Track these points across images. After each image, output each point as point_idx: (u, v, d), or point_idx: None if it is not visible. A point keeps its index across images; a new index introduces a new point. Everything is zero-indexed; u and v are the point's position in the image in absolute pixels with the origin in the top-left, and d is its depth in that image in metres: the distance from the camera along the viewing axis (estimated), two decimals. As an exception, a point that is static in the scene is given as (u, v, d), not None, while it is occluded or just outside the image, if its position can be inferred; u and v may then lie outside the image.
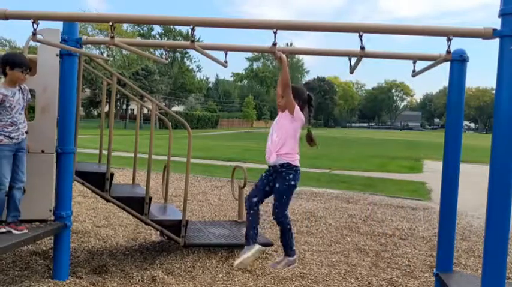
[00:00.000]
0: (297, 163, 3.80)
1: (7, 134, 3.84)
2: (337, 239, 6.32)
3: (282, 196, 3.76)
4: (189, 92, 75.53)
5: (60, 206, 4.31)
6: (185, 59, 74.53)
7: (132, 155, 5.94)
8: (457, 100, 3.86)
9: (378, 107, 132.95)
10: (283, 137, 3.76)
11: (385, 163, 18.93)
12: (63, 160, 4.30)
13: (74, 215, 6.24)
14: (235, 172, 6.82)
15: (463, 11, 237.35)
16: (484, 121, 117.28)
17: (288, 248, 3.92)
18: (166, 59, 4.81)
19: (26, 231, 3.91)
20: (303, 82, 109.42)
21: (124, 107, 62.21)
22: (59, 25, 4.18)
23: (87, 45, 34.62)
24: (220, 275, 4.65)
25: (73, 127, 4.39)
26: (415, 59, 3.90)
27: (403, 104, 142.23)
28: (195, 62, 77.83)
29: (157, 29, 69.64)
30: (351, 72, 3.90)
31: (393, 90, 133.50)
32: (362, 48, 2.99)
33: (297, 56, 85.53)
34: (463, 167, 4.01)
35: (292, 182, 3.76)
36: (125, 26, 59.60)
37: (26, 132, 4.11)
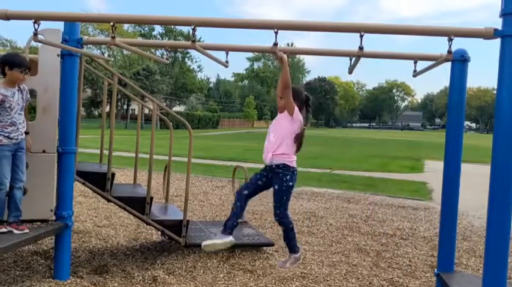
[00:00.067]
0: (293, 164, 3.78)
1: (6, 134, 3.85)
2: (338, 239, 6.32)
3: (282, 197, 3.76)
4: (190, 92, 75.55)
5: (61, 206, 4.31)
6: (186, 59, 74.54)
7: (133, 155, 5.94)
8: (458, 100, 3.86)
9: (378, 107, 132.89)
10: (281, 138, 3.75)
11: (386, 163, 18.92)
12: (64, 160, 4.31)
13: (75, 215, 6.24)
14: (236, 172, 6.83)
15: (464, 11, 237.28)
16: (485, 121, 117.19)
17: (292, 246, 3.93)
18: (167, 59, 4.82)
19: (27, 231, 3.92)
20: (304, 82, 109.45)
21: (125, 107, 62.26)
22: (60, 25, 4.19)
23: (88, 46, 34.68)
24: (221, 275, 4.65)
25: (74, 127, 4.39)
26: (416, 59, 3.90)
27: (404, 104, 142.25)
28: (196, 62, 77.91)
29: (158, 29, 69.71)
30: (350, 72, 3.90)
31: (394, 90, 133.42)
32: (361, 48, 2.99)
33: (298, 56, 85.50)
34: (464, 167, 4.00)
35: (290, 183, 3.75)
36: (125, 26, 59.65)
37: (27, 133, 4.11)
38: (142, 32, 68.27)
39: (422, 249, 6.03)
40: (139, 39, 39.89)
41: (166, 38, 66.02)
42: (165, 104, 60.84)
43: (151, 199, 4.91)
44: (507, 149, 2.76)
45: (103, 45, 41.65)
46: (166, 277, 4.50)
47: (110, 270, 4.63)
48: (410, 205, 9.37)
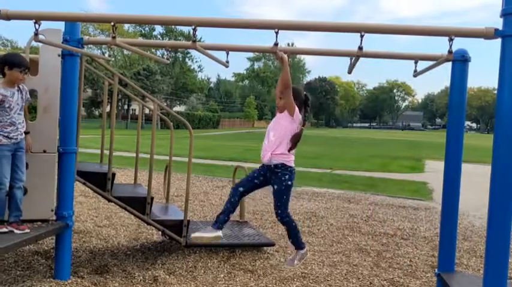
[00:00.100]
0: (291, 164, 3.78)
1: (6, 134, 3.85)
2: (338, 239, 6.32)
3: (282, 196, 3.77)
4: (190, 92, 75.56)
5: (62, 206, 4.31)
6: (186, 59, 74.55)
7: (134, 155, 5.95)
8: (459, 100, 3.86)
9: (379, 107, 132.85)
10: (280, 137, 3.75)
11: (386, 163, 18.92)
12: (65, 159, 4.31)
13: (76, 215, 6.25)
14: (237, 172, 6.83)
15: (464, 11, 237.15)
16: (486, 121, 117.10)
17: (297, 243, 3.93)
18: (167, 59, 4.82)
19: (28, 231, 3.92)
20: (305, 82, 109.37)
21: (125, 107, 62.29)
22: (60, 25, 4.19)
23: (89, 46, 34.71)
24: (222, 275, 4.65)
25: (75, 127, 4.39)
26: (416, 59, 3.90)
27: (404, 104, 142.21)
28: (196, 62, 77.97)
29: (158, 29, 69.71)
30: (349, 72, 3.91)
31: (395, 90, 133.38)
32: (360, 48, 2.99)
33: (298, 56, 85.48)
34: (465, 167, 4.01)
35: (289, 182, 3.75)
36: (126, 26, 59.66)
37: (27, 132, 4.12)
38: (143, 32, 68.29)
39: (423, 249, 6.03)
40: (140, 39, 39.92)
41: (167, 38, 65.99)
42: (165, 104, 60.84)
43: (152, 199, 4.91)
44: (508, 149, 2.76)
45: (103, 45, 41.68)
46: (167, 277, 4.50)
47: (111, 270, 4.63)
48: (411, 205, 9.36)
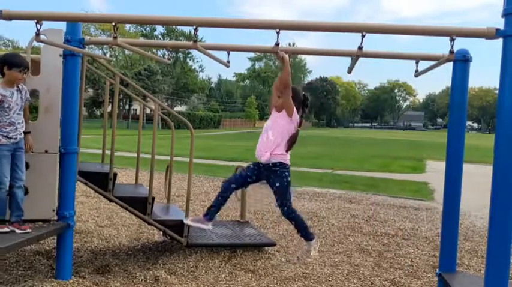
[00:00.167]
0: (288, 162, 3.86)
1: (5, 134, 3.86)
2: (339, 240, 6.31)
3: (285, 193, 3.82)
4: (191, 92, 75.59)
5: (63, 206, 4.32)
6: (187, 59, 74.58)
7: (135, 155, 5.95)
8: (460, 100, 3.86)
9: (380, 107, 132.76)
10: (279, 137, 3.79)
11: (387, 163, 18.91)
12: (66, 159, 4.31)
13: (77, 215, 6.26)
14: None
15: (465, 11, 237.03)
16: (487, 121, 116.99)
17: (307, 234, 3.97)
18: (168, 59, 4.82)
19: (30, 230, 3.92)
20: (306, 82, 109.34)
21: (127, 107, 62.33)
22: (61, 25, 4.20)
23: (90, 46, 34.76)
24: (223, 275, 4.66)
25: (76, 127, 4.40)
26: (418, 59, 3.90)
27: (405, 104, 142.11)
28: (197, 62, 77.98)
29: (159, 29, 69.71)
30: (349, 72, 3.92)
31: (396, 90, 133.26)
32: (360, 48, 2.99)
33: (299, 56, 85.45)
34: (466, 167, 4.01)
35: (289, 179, 3.83)
36: (127, 26, 59.70)
37: (28, 132, 4.13)
38: (144, 32, 68.32)
39: (424, 249, 6.03)
40: (141, 40, 39.99)
41: (168, 38, 66.00)
42: (166, 104, 60.84)
43: (153, 199, 4.92)
44: (509, 149, 2.75)
45: (105, 45, 41.71)
46: (168, 277, 4.51)
47: (112, 270, 4.64)
48: (412, 205, 9.36)
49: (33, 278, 4.28)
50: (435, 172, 15.15)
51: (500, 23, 2.80)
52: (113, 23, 3.05)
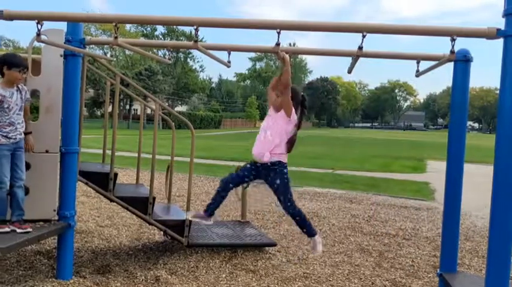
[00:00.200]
0: (286, 160, 3.93)
1: (5, 134, 3.87)
2: (340, 240, 6.31)
3: (286, 190, 3.88)
4: (192, 92, 75.60)
5: (64, 206, 4.32)
6: (188, 59, 74.60)
7: (136, 155, 5.95)
8: (461, 100, 3.86)
9: (381, 107, 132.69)
10: (278, 137, 3.87)
11: (388, 163, 18.91)
12: (67, 159, 4.32)
13: (78, 215, 6.25)
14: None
15: (466, 11, 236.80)
16: (488, 121, 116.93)
17: (311, 230, 4.00)
18: (169, 59, 4.82)
19: (30, 230, 3.93)
20: (306, 82, 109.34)
21: (127, 107, 62.35)
22: (62, 25, 4.20)
23: (91, 46, 34.74)
24: (224, 275, 4.66)
25: (77, 127, 4.40)
26: (418, 59, 3.90)
27: (406, 104, 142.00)
28: (198, 62, 77.93)
29: (160, 29, 69.73)
30: (349, 71, 3.94)
31: (396, 90, 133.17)
32: (360, 48, 3.00)
33: (300, 56, 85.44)
34: (467, 167, 4.01)
35: (288, 176, 3.92)
36: (128, 26, 59.71)
37: (30, 132, 4.13)
38: (145, 32, 68.35)
39: (424, 249, 6.02)
40: (142, 40, 40.00)
41: (169, 38, 66.02)
42: (167, 104, 60.85)
43: (154, 199, 4.92)
44: (510, 149, 2.76)
45: (105, 45, 41.72)
46: (169, 277, 4.51)
47: (113, 270, 4.64)
48: (413, 205, 9.36)
49: (34, 278, 4.28)
50: (436, 172, 15.14)
51: (501, 23, 2.80)
52: (114, 23, 3.05)
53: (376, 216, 8.06)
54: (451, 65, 3.80)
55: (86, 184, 4.79)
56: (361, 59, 3.53)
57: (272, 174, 3.84)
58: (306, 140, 32.43)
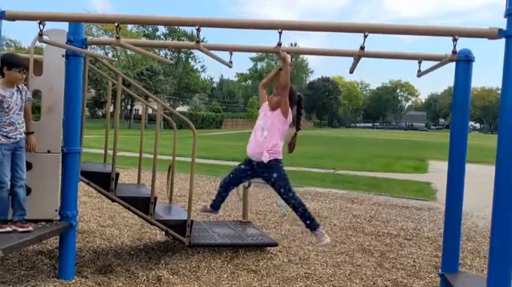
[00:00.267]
0: (281, 157, 4.04)
1: (5, 134, 3.87)
2: (342, 240, 6.31)
3: (286, 182, 4.00)
4: (193, 92, 75.61)
5: (66, 206, 4.33)
6: (190, 59, 74.60)
7: (137, 155, 5.96)
8: (463, 100, 3.85)
9: (382, 107, 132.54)
10: (275, 136, 4.01)
11: (389, 163, 18.89)
12: (68, 160, 4.32)
13: (79, 215, 6.26)
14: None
15: (468, 11, 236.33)
16: (490, 121, 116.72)
17: (313, 223, 4.09)
18: (171, 59, 4.83)
19: (32, 229, 3.94)
20: (308, 82, 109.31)
21: (129, 107, 62.39)
22: (64, 26, 4.20)
23: (92, 46, 34.77)
24: (225, 275, 4.66)
25: (79, 127, 4.41)
26: (420, 59, 3.90)
27: (407, 104, 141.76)
28: (199, 62, 77.94)
29: (161, 29, 69.72)
30: (351, 71, 3.96)
31: (398, 90, 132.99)
32: (362, 48, 3.00)
33: (301, 56, 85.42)
34: (469, 167, 4.00)
35: (284, 169, 4.03)
36: (129, 26, 59.71)
37: (31, 132, 4.14)
38: (146, 32, 68.37)
39: (426, 249, 6.02)
40: (144, 40, 40.01)
41: (170, 38, 66.02)
42: (168, 104, 60.90)
43: (156, 198, 4.92)
44: (511, 149, 2.75)
45: (106, 46, 41.74)
46: (171, 276, 4.51)
47: (114, 270, 4.64)
48: (414, 205, 9.35)
49: (36, 278, 4.29)
50: (437, 172, 15.13)
51: (503, 23, 2.80)
52: (116, 24, 3.06)
53: (378, 216, 8.06)
54: (452, 65, 3.80)
55: (88, 184, 4.80)
56: (362, 59, 3.53)
57: (269, 171, 3.97)
58: (307, 140, 32.42)
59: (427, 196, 10.70)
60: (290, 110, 3.94)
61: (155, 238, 5.98)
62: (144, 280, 4.39)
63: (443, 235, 4.07)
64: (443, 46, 3.59)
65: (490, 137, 58.37)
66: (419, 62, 3.90)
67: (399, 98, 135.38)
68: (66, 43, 4.13)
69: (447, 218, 3.95)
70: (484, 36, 2.88)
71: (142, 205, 4.85)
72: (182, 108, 73.72)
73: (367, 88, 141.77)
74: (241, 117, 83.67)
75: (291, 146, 4.21)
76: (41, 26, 3.05)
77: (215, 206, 4.39)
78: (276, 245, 5.62)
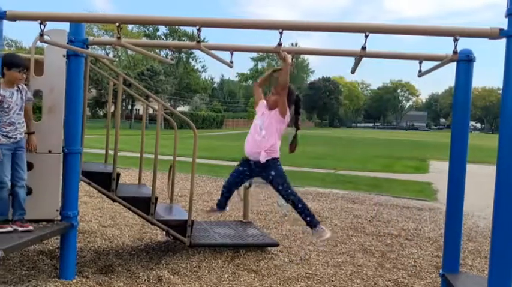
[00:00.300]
0: (278, 155, 4.11)
1: (5, 134, 3.88)
2: (343, 240, 6.31)
3: (284, 179, 4.05)
4: (194, 92, 75.63)
5: (67, 206, 4.33)
6: (190, 59, 74.65)
7: (138, 155, 5.96)
8: (464, 100, 3.85)
9: (383, 107, 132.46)
10: (273, 136, 4.05)
11: (390, 163, 18.88)
12: (69, 160, 4.33)
13: (80, 215, 6.27)
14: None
15: (469, 11, 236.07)
16: (490, 121, 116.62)
17: (312, 220, 4.15)
18: (171, 59, 4.83)
19: (32, 228, 3.94)
20: (308, 82, 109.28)
21: (129, 107, 62.40)
22: (65, 26, 4.21)
23: (93, 46, 34.80)
24: (226, 276, 4.66)
25: (80, 127, 4.41)
26: (421, 59, 3.90)
27: (408, 104, 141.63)
28: (200, 62, 78.00)
29: (162, 29, 69.76)
30: (352, 71, 3.96)
31: (399, 90, 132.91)
32: (363, 48, 3.00)
33: (302, 56, 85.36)
34: (469, 167, 3.99)
35: (281, 167, 4.10)
36: (130, 26, 59.74)
37: (32, 132, 4.14)
38: (147, 32, 68.40)
39: (427, 250, 6.02)
40: (145, 40, 40.05)
41: (171, 39, 66.04)
42: (169, 104, 60.92)
43: (156, 199, 4.93)
44: (513, 150, 2.75)
45: (107, 46, 41.77)
46: (171, 277, 4.51)
47: (115, 270, 4.65)
48: (415, 205, 9.34)
49: (37, 278, 4.29)
50: (438, 172, 15.12)
51: (504, 23, 2.80)
52: (117, 24, 3.06)
53: (379, 216, 8.06)
54: (453, 64, 3.80)
55: (89, 184, 4.80)
56: (363, 59, 3.53)
57: (267, 169, 4.03)
58: (308, 140, 32.40)
59: (428, 196, 10.69)
60: (288, 109, 3.97)
61: (156, 238, 5.98)
62: (145, 280, 4.39)
63: (444, 235, 4.07)
64: (444, 46, 3.59)
65: (490, 137, 58.30)
66: (420, 62, 3.90)
67: (400, 98, 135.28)
68: (67, 43, 4.13)
69: (448, 218, 3.95)
70: (485, 36, 2.88)
71: (143, 205, 4.86)
72: (183, 108, 73.73)
73: (367, 88, 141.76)
74: (242, 118, 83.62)
75: (292, 146, 4.23)
76: (42, 26, 3.05)
77: (221, 205, 4.52)
78: (276, 245, 5.62)
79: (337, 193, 10.42)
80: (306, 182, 11.77)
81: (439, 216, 8.20)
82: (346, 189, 11.14)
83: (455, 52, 3.00)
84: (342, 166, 16.69)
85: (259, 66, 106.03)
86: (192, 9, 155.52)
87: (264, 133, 3.99)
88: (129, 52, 53.68)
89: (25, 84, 4.13)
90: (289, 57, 3.65)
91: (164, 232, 5.33)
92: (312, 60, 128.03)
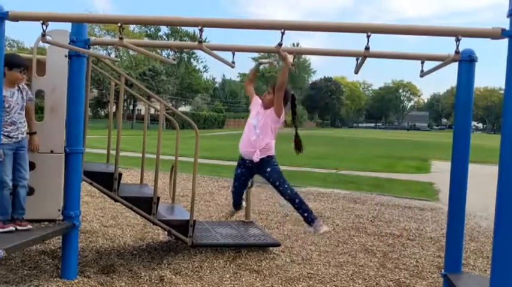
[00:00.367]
0: (273, 153, 4.21)
1: (6, 134, 3.88)
2: (344, 240, 6.31)
3: (279, 175, 4.14)
4: (195, 92, 75.63)
5: (69, 206, 4.34)
6: (192, 60, 74.63)
7: (140, 155, 5.97)
8: (466, 100, 3.84)
9: (385, 107, 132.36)
10: (268, 135, 4.14)
11: (392, 163, 18.86)
12: (71, 160, 4.33)
13: (82, 215, 6.27)
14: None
15: (471, 11, 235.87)
16: (492, 121, 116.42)
17: (309, 216, 4.21)
18: (173, 59, 4.84)
19: (31, 227, 3.97)
20: (310, 82, 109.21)
21: (131, 107, 62.46)
22: (67, 26, 4.22)
23: (94, 46, 34.83)
24: (228, 276, 4.66)
25: (81, 127, 4.42)
26: (423, 59, 3.89)
27: (410, 104, 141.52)
28: (201, 62, 77.92)
29: (163, 29, 69.74)
30: (356, 72, 3.95)
31: (400, 90, 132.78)
32: (367, 48, 3.00)
33: (304, 56, 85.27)
34: (471, 167, 3.99)
35: (277, 163, 4.20)
36: (132, 26, 59.77)
37: (34, 132, 4.15)
38: (148, 32, 68.42)
39: (429, 250, 6.01)
40: (146, 40, 40.01)
41: (172, 39, 66.01)
42: (171, 104, 60.94)
43: (158, 199, 4.93)
44: (515, 150, 2.74)
45: (109, 46, 41.79)
46: (173, 276, 4.52)
47: (117, 270, 4.65)
48: (417, 205, 9.34)
49: (39, 278, 4.30)
50: (440, 172, 15.10)
51: (506, 23, 2.79)
52: (119, 24, 3.06)
53: (380, 216, 8.05)
54: (454, 64, 3.79)
55: (91, 184, 4.80)
56: (366, 59, 3.52)
57: (264, 166, 4.12)
58: (310, 140, 32.40)
59: (429, 196, 10.68)
60: (283, 109, 4.02)
61: (158, 238, 5.98)
62: (146, 280, 4.39)
63: (446, 235, 4.06)
64: (446, 46, 3.58)
65: (492, 137, 58.25)
66: (422, 62, 3.90)
67: (402, 98, 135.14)
68: (69, 43, 4.14)
69: (450, 218, 3.95)
70: (486, 36, 2.87)
71: (145, 204, 4.86)
72: (184, 108, 73.75)
73: (369, 88, 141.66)
74: (243, 118, 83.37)
75: (297, 145, 4.28)
76: (44, 27, 3.05)
77: (236, 206, 4.84)
78: (278, 245, 5.62)
79: (339, 193, 10.41)
80: (308, 182, 11.77)
81: (440, 216, 8.19)
82: (347, 189, 11.14)
83: (457, 52, 2.99)
84: (344, 166, 16.69)
85: (261, 67, 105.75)
86: (192, 9, 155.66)
87: (259, 132, 4.05)
88: (131, 52, 53.74)
89: (27, 85, 4.14)
90: (289, 58, 3.66)
91: (166, 232, 5.33)
92: (313, 61, 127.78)
